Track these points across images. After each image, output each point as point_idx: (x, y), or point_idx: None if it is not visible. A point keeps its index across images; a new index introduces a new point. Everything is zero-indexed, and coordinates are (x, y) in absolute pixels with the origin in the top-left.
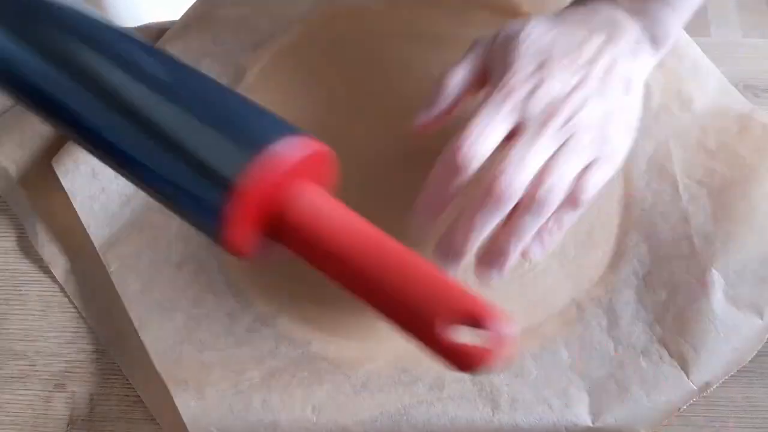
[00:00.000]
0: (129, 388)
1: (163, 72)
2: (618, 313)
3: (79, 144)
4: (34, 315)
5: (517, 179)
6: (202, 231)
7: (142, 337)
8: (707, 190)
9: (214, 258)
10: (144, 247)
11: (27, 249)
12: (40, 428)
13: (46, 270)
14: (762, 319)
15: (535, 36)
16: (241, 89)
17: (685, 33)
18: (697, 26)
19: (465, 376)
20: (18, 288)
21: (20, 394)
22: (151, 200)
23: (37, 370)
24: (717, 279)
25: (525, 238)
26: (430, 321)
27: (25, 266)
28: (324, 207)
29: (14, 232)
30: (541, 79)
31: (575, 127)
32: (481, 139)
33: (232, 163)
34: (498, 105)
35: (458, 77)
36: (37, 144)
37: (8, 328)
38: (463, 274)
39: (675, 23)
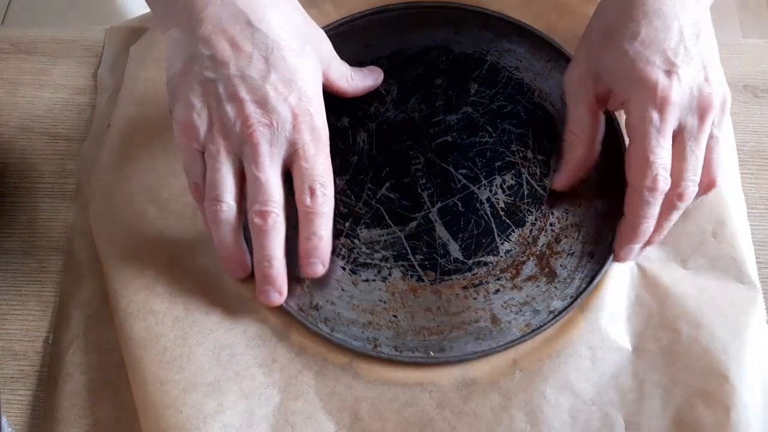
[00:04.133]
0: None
1: None
2: None
3: None
4: (34, 315)
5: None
6: None
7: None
8: None
9: None
10: None
11: (27, 249)
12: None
13: (46, 270)
14: None
15: (637, 37)
16: None
17: None
18: None
19: None
20: (18, 288)
21: (20, 394)
22: None
23: (37, 370)
24: None
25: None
26: None
27: (25, 266)
28: None
29: (15, 232)
30: (675, 79)
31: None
32: (666, 165)
33: None
34: (661, 125)
35: (579, 126)
36: None
37: (8, 328)
38: None
39: None
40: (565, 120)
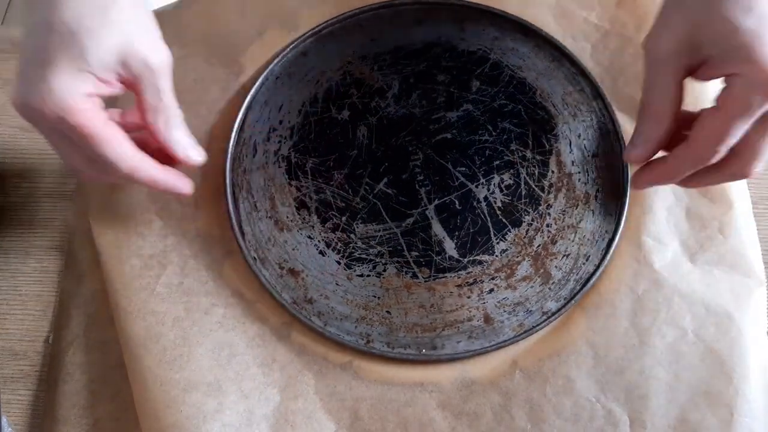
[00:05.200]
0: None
1: None
2: None
3: None
4: (34, 315)
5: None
6: None
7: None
8: None
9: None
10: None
11: (27, 249)
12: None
13: (46, 270)
14: None
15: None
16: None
17: None
18: None
19: None
20: (18, 288)
21: (20, 394)
22: None
23: (37, 370)
24: None
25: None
26: None
27: (25, 266)
28: None
29: (15, 231)
30: None
31: None
32: (731, 146)
33: None
34: (757, 110)
35: (662, 97)
36: None
37: (8, 328)
38: None
39: None
40: (643, 88)
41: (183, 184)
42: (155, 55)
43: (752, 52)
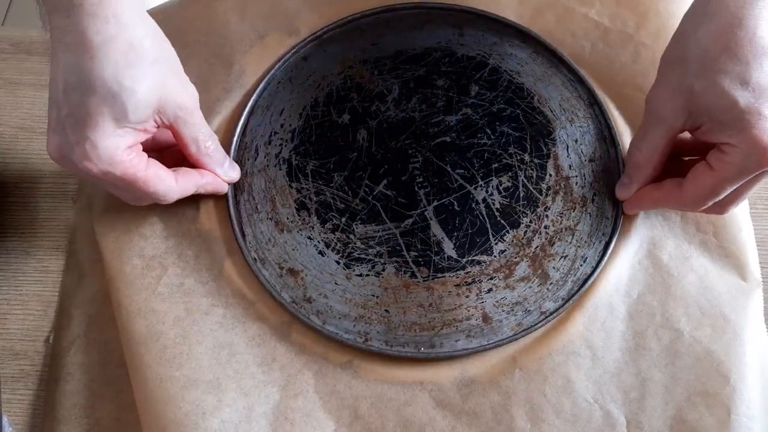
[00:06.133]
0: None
1: None
2: None
3: None
4: (34, 315)
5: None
6: None
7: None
8: None
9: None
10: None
11: (28, 249)
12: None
13: (46, 270)
14: None
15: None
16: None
17: None
18: None
19: None
20: (18, 288)
21: (21, 394)
22: None
23: (37, 370)
24: None
25: None
26: None
27: (25, 266)
28: None
29: (15, 231)
30: None
31: None
32: (722, 197)
33: None
34: (747, 175)
35: (650, 148)
36: None
37: (9, 328)
38: None
39: None
40: (637, 131)
41: (223, 186)
42: (185, 96)
43: (749, 126)
